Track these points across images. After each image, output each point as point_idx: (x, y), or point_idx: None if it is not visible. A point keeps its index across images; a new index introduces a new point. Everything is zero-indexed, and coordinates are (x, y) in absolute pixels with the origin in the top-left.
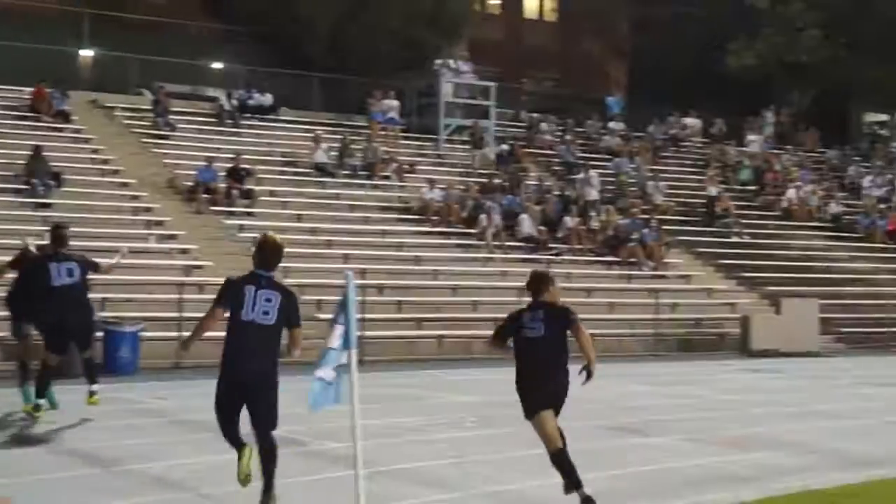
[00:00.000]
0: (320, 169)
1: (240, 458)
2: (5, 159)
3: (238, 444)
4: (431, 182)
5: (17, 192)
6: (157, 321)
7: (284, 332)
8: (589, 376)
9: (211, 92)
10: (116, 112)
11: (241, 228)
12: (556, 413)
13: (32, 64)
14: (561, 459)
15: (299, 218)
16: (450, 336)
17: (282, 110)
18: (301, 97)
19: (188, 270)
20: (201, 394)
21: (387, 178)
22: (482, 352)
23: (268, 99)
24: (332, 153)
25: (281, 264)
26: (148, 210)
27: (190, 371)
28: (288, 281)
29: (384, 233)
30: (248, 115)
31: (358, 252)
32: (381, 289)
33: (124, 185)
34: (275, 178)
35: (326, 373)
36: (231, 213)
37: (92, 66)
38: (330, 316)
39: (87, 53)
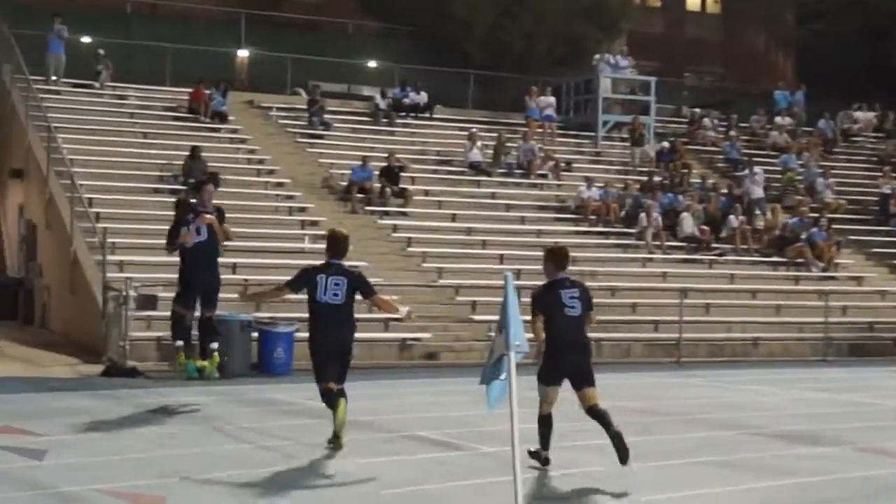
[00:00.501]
0: (475, 168)
1: (337, 410)
2: (164, 160)
3: (333, 400)
4: (589, 180)
5: (174, 193)
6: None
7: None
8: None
9: (366, 91)
10: (272, 112)
11: (396, 228)
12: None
13: (191, 65)
14: (546, 423)
15: (454, 218)
16: (607, 339)
17: (437, 108)
18: (456, 95)
19: None
20: (353, 395)
21: (543, 176)
22: (641, 355)
23: (423, 97)
24: (488, 151)
25: (435, 265)
26: (302, 210)
27: None
28: (442, 282)
29: (540, 233)
30: (403, 113)
31: (513, 252)
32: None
33: (279, 185)
34: (429, 177)
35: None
36: (385, 213)
37: (248, 67)
38: (485, 318)
39: (243, 54)
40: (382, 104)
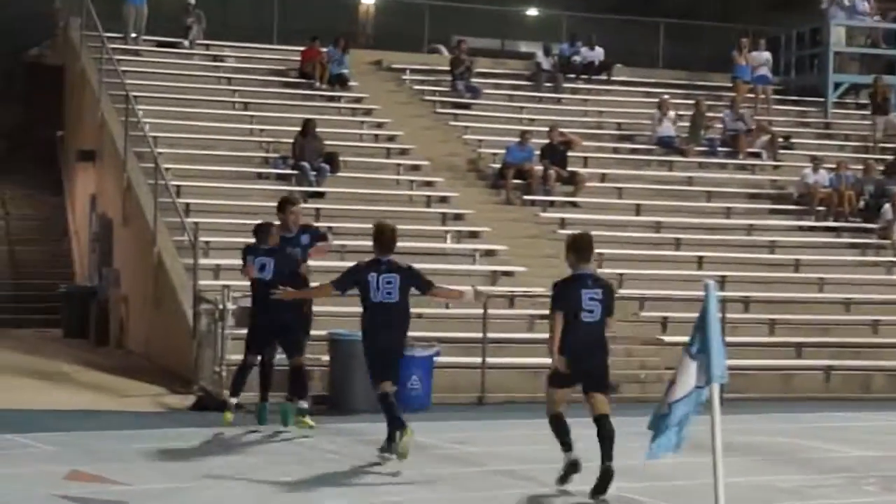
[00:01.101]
0: (666, 145)
1: (404, 435)
2: (269, 137)
3: (393, 408)
4: (815, 161)
5: (282, 178)
6: (455, 343)
7: None
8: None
9: (524, 47)
10: (405, 76)
11: (563, 223)
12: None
13: (302, 18)
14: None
15: (638, 209)
16: (840, 367)
17: (616, 69)
18: (641, 51)
19: (494, 277)
20: (510, 437)
21: (755, 155)
22: (884, 389)
23: (598, 54)
24: (683, 124)
25: (614, 270)
26: (443, 200)
27: (495, 408)
28: (623, 292)
29: (751, 228)
30: (572, 75)
31: (716, 254)
32: (746, 303)
33: (414, 168)
34: (606, 157)
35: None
36: (550, 204)
37: (375, 18)
38: (678, 339)
39: (368, 2)
40: (546, 64)
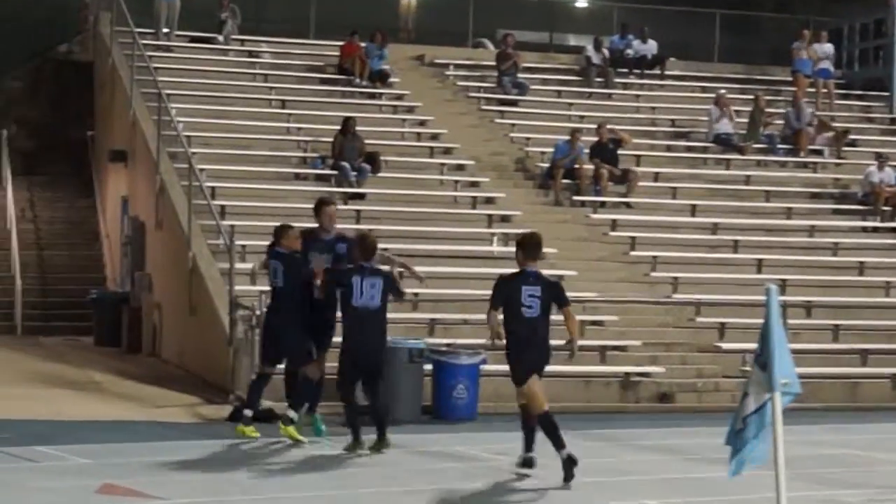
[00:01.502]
0: (724, 142)
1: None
2: (307, 135)
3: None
4: (881, 158)
5: (321, 178)
6: (501, 349)
7: None
8: (572, 354)
9: (573, 41)
10: (449, 71)
11: (614, 225)
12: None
13: (341, 11)
14: (547, 422)
15: (693, 210)
16: None
17: (670, 63)
18: (697, 44)
19: None
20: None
21: (817, 153)
22: None
23: (650, 47)
24: (741, 120)
25: (668, 273)
26: (489, 201)
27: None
28: (678, 297)
29: (813, 230)
30: (624, 70)
31: (776, 257)
32: (808, 308)
33: (459, 167)
34: (660, 156)
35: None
36: (600, 205)
37: (417, 11)
38: (736, 346)
39: None
40: (596, 58)
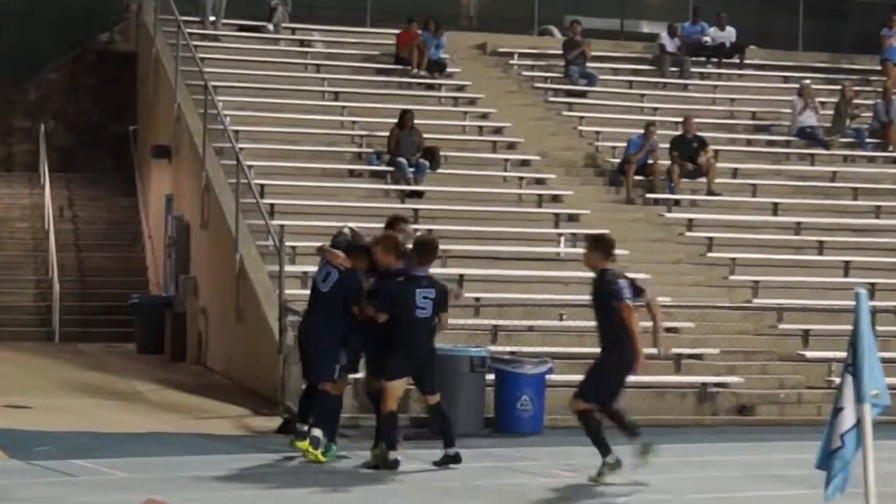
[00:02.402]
0: (808, 136)
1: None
2: (361, 129)
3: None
4: None
5: (376, 175)
6: (569, 358)
7: None
8: None
9: (646, 27)
10: (513, 60)
11: (691, 225)
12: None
13: None
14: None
15: (775, 209)
16: None
17: (749, 51)
18: (778, 31)
19: None
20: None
21: None
22: None
23: (729, 35)
24: (826, 113)
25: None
26: (556, 199)
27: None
28: (759, 302)
29: None
30: (702, 58)
31: (864, 259)
32: None
33: (523, 163)
34: (739, 150)
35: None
36: (675, 204)
37: None
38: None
39: None
40: (670, 46)
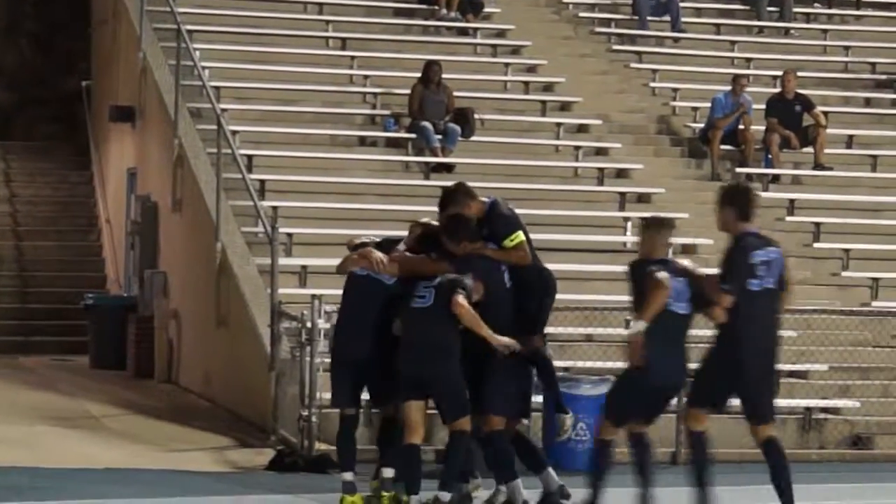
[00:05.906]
0: None
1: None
2: (375, 86)
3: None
4: None
5: (394, 144)
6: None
7: None
8: None
9: None
10: (568, 0)
11: (792, 208)
12: None
13: None
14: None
15: None
16: None
17: None
18: None
19: None
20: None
21: None
22: None
23: None
24: None
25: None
26: (622, 174)
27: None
28: (878, 304)
29: None
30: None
31: None
32: None
33: (581, 129)
34: (855, 113)
35: None
36: (774, 180)
37: None
38: None
39: None
40: None
